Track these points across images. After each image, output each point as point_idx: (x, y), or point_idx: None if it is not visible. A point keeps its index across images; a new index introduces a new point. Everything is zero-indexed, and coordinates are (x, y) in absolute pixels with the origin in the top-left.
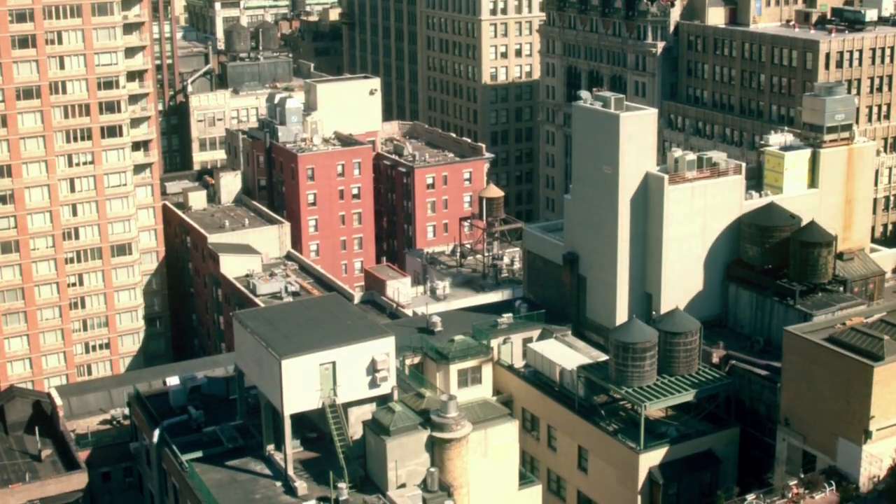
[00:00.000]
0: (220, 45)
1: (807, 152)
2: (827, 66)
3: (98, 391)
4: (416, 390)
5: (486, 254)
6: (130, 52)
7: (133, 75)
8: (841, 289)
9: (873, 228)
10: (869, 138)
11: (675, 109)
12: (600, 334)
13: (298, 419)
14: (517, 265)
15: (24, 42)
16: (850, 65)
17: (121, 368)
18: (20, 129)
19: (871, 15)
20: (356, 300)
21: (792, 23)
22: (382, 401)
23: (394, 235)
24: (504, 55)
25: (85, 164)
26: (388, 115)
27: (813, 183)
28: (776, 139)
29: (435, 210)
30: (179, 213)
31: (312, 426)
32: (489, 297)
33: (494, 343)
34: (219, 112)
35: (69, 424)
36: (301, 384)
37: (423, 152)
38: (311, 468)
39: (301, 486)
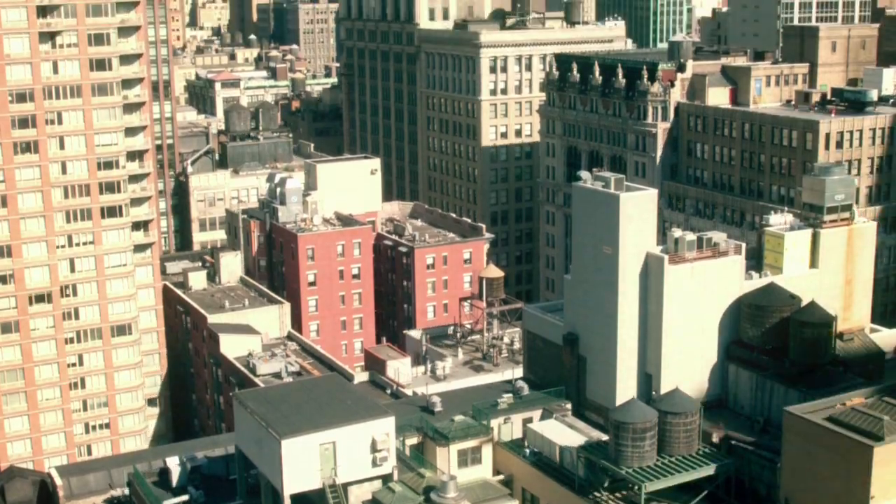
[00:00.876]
0: (220, 125)
1: (807, 233)
2: (827, 147)
3: (98, 471)
4: (416, 470)
5: (486, 334)
6: (131, 132)
7: (133, 155)
8: (841, 369)
9: (873, 308)
10: (869, 219)
11: (676, 189)
12: (600, 414)
13: (299, 499)
14: (517, 345)
15: (24, 122)
16: (851, 145)
17: (121, 448)
18: (20, 209)
19: (871, 95)
20: (356, 380)
21: (792, 103)
22: (383, 481)
23: (394, 315)
24: (504, 135)
25: (85, 244)
26: (388, 196)
27: (813, 263)
28: (776, 219)
29: (435, 290)
30: (179, 293)
31: None
32: (489, 378)
33: (494, 423)
34: (219, 192)
35: None
36: (301, 464)
37: (423, 232)
38: None
39: None
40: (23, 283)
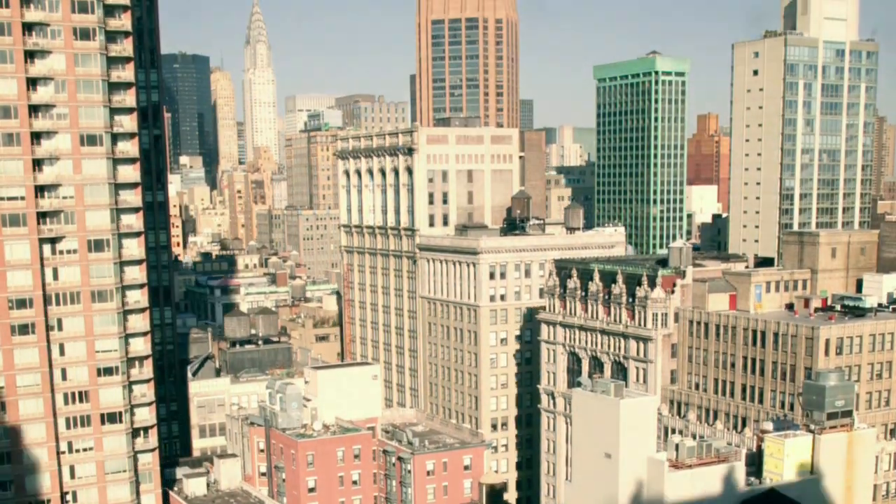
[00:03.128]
0: (221, 331)
1: (807, 438)
2: (827, 353)
3: None
4: None
5: None
6: (131, 337)
7: (133, 361)
8: None
9: None
10: (869, 425)
11: (677, 395)
12: None
13: None
14: None
15: (24, 328)
16: (851, 351)
17: None
18: (21, 415)
19: (871, 301)
20: None
21: (793, 309)
22: None
23: None
24: (504, 341)
25: (85, 450)
26: (388, 401)
27: (813, 469)
28: (776, 425)
29: (435, 496)
30: (179, 499)
31: None
32: None
33: None
34: (219, 398)
35: None
36: None
37: (423, 438)
38: None
39: None
40: (23, 489)
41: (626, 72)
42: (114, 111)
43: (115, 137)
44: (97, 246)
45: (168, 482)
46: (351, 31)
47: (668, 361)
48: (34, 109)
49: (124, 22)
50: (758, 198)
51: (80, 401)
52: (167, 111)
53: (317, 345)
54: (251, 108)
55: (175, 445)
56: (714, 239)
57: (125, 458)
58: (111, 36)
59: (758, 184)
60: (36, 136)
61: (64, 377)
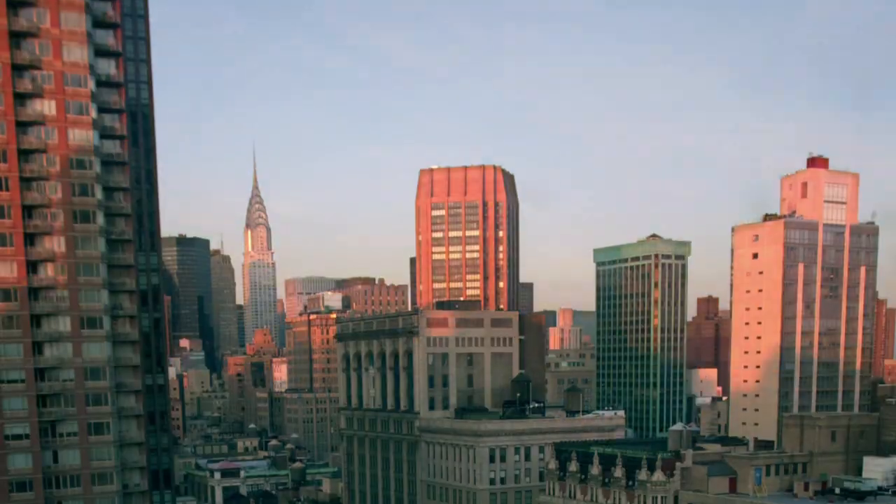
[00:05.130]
0: None
1: None
2: None
3: None
4: None
5: None
6: None
7: None
8: None
9: None
10: None
11: None
12: None
13: None
14: None
15: None
16: None
17: None
18: None
19: (871, 485)
20: None
21: (793, 492)
22: None
23: None
24: None
25: None
26: None
27: None
28: None
29: None
30: None
31: None
32: None
33: None
34: None
35: None
36: None
37: None
38: None
39: None
40: None
41: (626, 255)
42: (114, 293)
43: (115, 320)
44: (97, 428)
45: None
46: (352, 214)
47: None
48: (34, 292)
49: (124, 205)
50: (758, 381)
51: None
52: (167, 294)
53: None
54: (251, 291)
55: None
56: (714, 422)
57: None
58: (111, 219)
59: (757, 367)
60: (36, 319)
61: None
